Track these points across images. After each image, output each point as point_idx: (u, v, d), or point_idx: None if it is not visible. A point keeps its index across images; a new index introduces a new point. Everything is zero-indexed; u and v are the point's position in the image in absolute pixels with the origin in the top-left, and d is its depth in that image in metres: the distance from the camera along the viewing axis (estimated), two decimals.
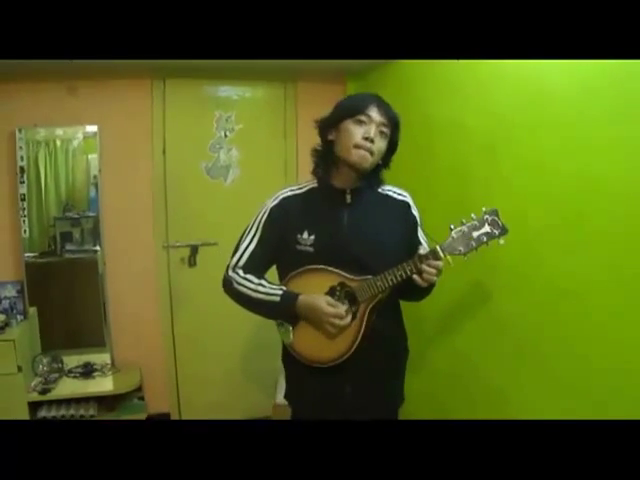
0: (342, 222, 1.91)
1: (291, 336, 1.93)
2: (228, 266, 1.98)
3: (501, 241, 1.79)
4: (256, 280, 1.93)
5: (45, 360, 3.44)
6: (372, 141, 1.83)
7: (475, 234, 1.76)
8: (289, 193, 2.00)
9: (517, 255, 2.30)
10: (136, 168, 3.71)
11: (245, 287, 1.92)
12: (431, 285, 1.84)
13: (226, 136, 3.85)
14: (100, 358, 3.62)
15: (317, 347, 1.89)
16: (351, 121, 1.86)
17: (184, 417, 3.90)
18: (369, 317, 1.85)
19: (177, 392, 3.89)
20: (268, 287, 1.91)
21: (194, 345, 3.89)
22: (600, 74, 1.87)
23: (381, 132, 1.86)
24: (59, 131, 3.58)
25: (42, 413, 3.24)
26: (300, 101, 3.92)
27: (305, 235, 1.90)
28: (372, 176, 1.96)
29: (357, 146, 1.84)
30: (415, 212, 2.04)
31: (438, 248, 1.75)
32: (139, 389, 3.54)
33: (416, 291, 1.86)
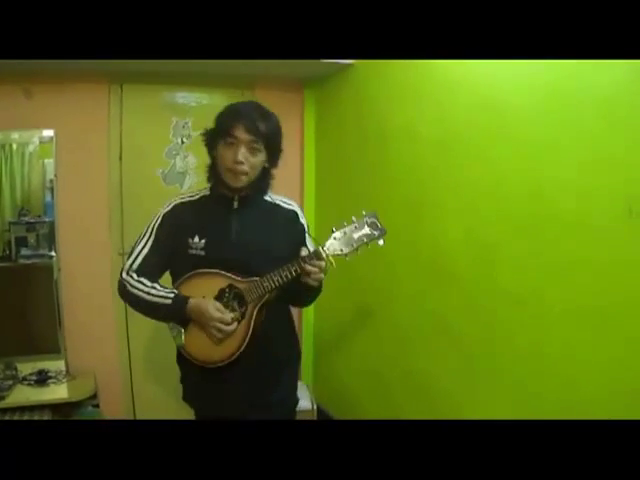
0: (230, 226, 2.01)
1: (182, 338, 1.99)
2: (122, 269, 2.03)
3: (380, 242, 1.91)
4: (149, 283, 1.98)
5: None
6: (242, 163, 1.90)
7: (355, 235, 1.89)
8: (181, 200, 2.09)
9: (470, 266, 2.36)
10: (92, 173, 3.68)
11: (138, 290, 1.97)
12: (316, 289, 1.98)
13: (183, 142, 3.85)
14: (55, 365, 3.57)
15: (207, 348, 1.96)
16: (222, 143, 1.94)
17: None
18: (257, 317, 1.94)
19: (132, 398, 3.88)
20: (161, 290, 1.97)
21: (149, 351, 3.88)
22: (555, 89, 1.94)
23: (252, 149, 1.93)
24: (15, 135, 3.53)
25: None
26: None
27: (196, 239, 1.98)
28: (259, 181, 2.04)
29: (229, 170, 1.93)
30: (303, 221, 2.16)
31: (320, 248, 1.88)
32: (94, 396, 3.50)
33: (302, 294, 2.01)
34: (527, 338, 2.11)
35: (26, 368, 3.51)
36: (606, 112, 1.78)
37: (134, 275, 1.99)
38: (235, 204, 2.03)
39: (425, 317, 2.75)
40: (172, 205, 2.07)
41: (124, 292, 2.01)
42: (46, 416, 3.26)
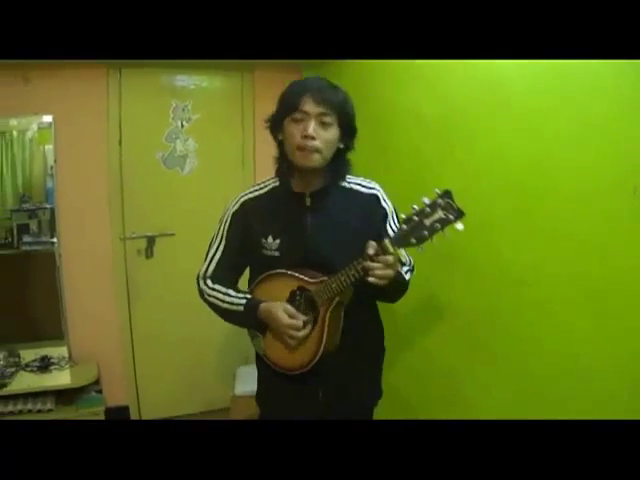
0: (305, 225, 1.84)
1: (262, 345, 1.90)
2: (199, 276, 1.96)
3: (458, 226, 1.57)
4: (223, 290, 1.90)
5: (1, 354, 3.41)
6: (313, 138, 1.71)
7: (428, 221, 1.56)
8: (249, 195, 1.93)
9: (471, 245, 2.33)
10: (92, 158, 3.66)
11: (214, 297, 1.90)
12: (399, 283, 1.78)
13: (182, 126, 3.82)
14: (57, 351, 3.58)
15: (285, 355, 1.84)
16: (290, 120, 1.76)
17: (142, 410, 3.90)
18: (331, 320, 1.77)
19: (135, 384, 3.88)
20: (234, 296, 1.88)
21: (152, 337, 3.87)
22: (556, 64, 1.88)
23: (323, 123, 1.73)
24: (14, 122, 3.53)
25: None
26: (257, 91, 3.90)
27: (270, 239, 1.85)
28: (336, 170, 1.86)
29: (299, 148, 1.73)
30: (385, 204, 1.92)
31: (387, 242, 1.60)
32: (97, 382, 3.50)
33: (382, 290, 1.68)
34: (528, 318, 2.08)
35: (29, 355, 3.52)
36: (607, 86, 1.73)
37: (209, 282, 1.92)
38: (308, 201, 1.84)
39: (426, 298, 2.71)
40: (240, 202, 1.93)
41: (204, 300, 1.95)
42: (49, 402, 3.27)
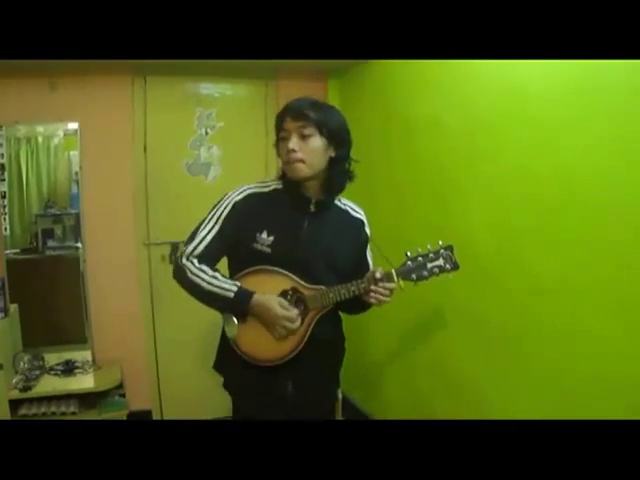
0: (302, 229, 1.93)
1: (235, 331, 1.92)
2: (182, 254, 1.94)
3: (450, 276, 1.88)
4: (210, 272, 1.90)
5: (26, 357, 3.44)
6: (294, 150, 1.84)
7: (429, 265, 1.86)
8: (255, 190, 1.99)
9: (497, 255, 2.35)
10: (117, 165, 3.70)
11: (199, 278, 1.89)
12: (370, 306, 1.94)
13: (207, 133, 3.86)
14: (81, 355, 3.62)
15: (259, 346, 1.92)
16: (280, 140, 1.92)
17: (165, 414, 3.92)
18: (315, 325, 1.91)
19: (158, 389, 3.91)
20: (223, 281, 1.90)
21: (175, 342, 3.90)
22: (578, 74, 1.91)
23: (303, 136, 1.85)
24: (40, 128, 3.59)
25: (23, 411, 3.23)
26: (281, 99, 3.82)
27: (264, 235, 1.90)
28: (332, 178, 1.95)
29: (286, 162, 1.89)
30: (367, 230, 2.08)
31: (393, 272, 1.83)
32: (120, 386, 3.53)
33: (359, 307, 1.97)
34: (554, 327, 2.09)
35: (53, 358, 3.56)
36: (629, 94, 1.75)
37: (195, 261, 1.91)
38: (312, 207, 1.94)
39: (452, 305, 2.74)
40: (245, 194, 1.97)
41: (183, 278, 1.92)
42: (72, 406, 3.30)
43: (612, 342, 1.84)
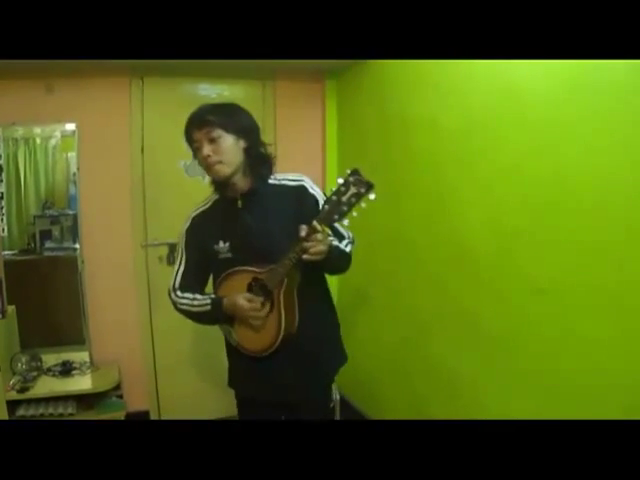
0: (243, 225, 2.06)
1: (235, 337, 2.12)
2: (169, 291, 2.18)
3: (371, 196, 1.80)
4: (190, 296, 2.12)
5: (24, 358, 3.43)
6: (209, 156, 1.96)
7: (344, 198, 1.81)
8: (198, 211, 2.20)
9: (493, 255, 2.34)
10: (114, 166, 3.69)
11: (185, 305, 2.13)
12: (340, 254, 2.04)
13: None
14: (79, 356, 3.63)
15: (255, 340, 2.06)
16: (195, 151, 2.03)
17: (163, 415, 3.91)
18: (286, 301, 1.99)
19: (156, 390, 3.90)
20: (201, 299, 2.10)
21: (173, 343, 3.90)
22: (575, 74, 1.91)
23: (212, 139, 1.96)
24: (37, 129, 3.59)
25: (21, 412, 3.23)
26: (279, 100, 3.89)
27: (221, 244, 2.08)
28: (254, 167, 2.07)
29: (206, 168, 2.02)
30: (314, 191, 2.11)
31: (315, 222, 1.84)
32: (118, 387, 3.54)
33: (325, 264, 1.94)
34: (550, 328, 2.09)
35: (50, 359, 3.56)
36: (624, 95, 1.75)
37: (178, 293, 2.15)
38: (239, 203, 2.09)
39: (446, 305, 2.74)
40: (191, 218, 2.19)
41: (176, 309, 2.17)
42: (70, 407, 3.30)
43: (607, 343, 1.85)
